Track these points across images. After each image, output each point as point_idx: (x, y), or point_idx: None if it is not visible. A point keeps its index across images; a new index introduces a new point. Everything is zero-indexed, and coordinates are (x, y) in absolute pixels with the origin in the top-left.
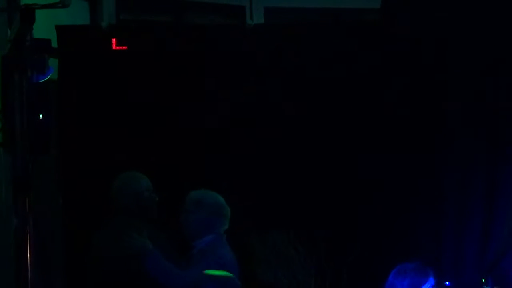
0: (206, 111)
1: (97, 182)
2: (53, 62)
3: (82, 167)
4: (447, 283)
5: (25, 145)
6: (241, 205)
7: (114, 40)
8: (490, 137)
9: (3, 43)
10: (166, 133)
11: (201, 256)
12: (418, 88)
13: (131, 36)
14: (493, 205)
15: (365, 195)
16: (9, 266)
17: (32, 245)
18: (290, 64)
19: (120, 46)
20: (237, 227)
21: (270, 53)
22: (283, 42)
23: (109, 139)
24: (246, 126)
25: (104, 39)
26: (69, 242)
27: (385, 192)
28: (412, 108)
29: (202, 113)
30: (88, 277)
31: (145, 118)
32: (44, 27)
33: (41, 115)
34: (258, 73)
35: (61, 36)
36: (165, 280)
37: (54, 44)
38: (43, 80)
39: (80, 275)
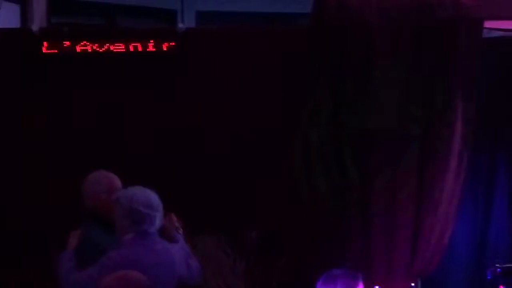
0: (136, 111)
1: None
2: None
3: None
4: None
5: None
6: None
7: (45, 44)
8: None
9: None
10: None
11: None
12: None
13: (62, 40)
14: (422, 210)
15: (293, 199)
16: None
17: None
18: (220, 67)
19: (51, 49)
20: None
21: (202, 56)
22: (214, 45)
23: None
24: (175, 128)
25: (34, 42)
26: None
27: (316, 196)
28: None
29: (133, 113)
30: None
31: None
32: None
33: None
34: (190, 75)
35: None
36: (61, 280)
37: None
38: None
39: None
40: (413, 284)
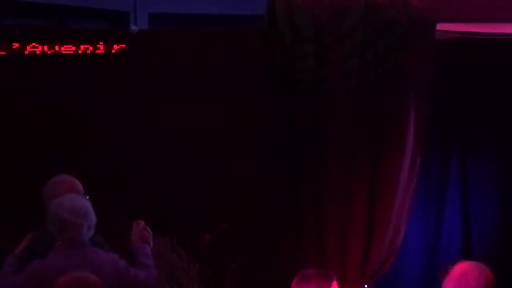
0: (87, 112)
1: None
2: None
3: None
4: None
5: None
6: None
7: None
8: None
9: None
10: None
11: None
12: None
13: (13, 41)
14: (376, 212)
15: (248, 200)
16: None
17: None
18: (173, 69)
19: (2, 51)
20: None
21: (154, 58)
22: (166, 47)
23: None
24: (126, 129)
25: None
26: None
27: (264, 197)
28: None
29: (82, 114)
30: None
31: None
32: None
33: None
34: (143, 77)
35: None
36: None
37: None
38: None
39: None
40: (366, 286)
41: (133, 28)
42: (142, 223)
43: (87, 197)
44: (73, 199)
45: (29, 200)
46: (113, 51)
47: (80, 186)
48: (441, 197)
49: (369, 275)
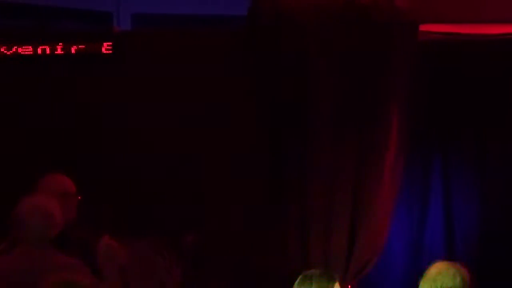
0: (70, 112)
1: None
2: None
3: None
4: None
5: None
6: (106, 211)
7: None
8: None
9: None
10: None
11: None
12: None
13: None
14: (359, 212)
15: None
16: None
17: None
18: (156, 69)
19: None
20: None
21: (137, 59)
22: (150, 48)
23: None
24: (109, 129)
25: None
26: None
27: (247, 199)
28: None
29: (61, 115)
30: None
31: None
32: None
33: None
34: (126, 77)
35: None
36: None
37: None
38: None
39: None
40: (350, 286)
41: (116, 28)
42: (107, 238)
43: (79, 198)
44: (36, 199)
45: None
46: (98, 51)
47: (70, 186)
48: (424, 197)
49: (352, 275)
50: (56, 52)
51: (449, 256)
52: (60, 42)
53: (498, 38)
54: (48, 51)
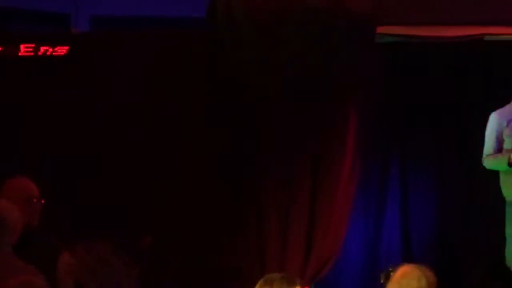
0: (28, 114)
1: None
2: None
3: None
4: None
5: None
6: (65, 214)
7: None
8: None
9: None
10: None
11: None
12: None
13: None
14: (316, 214)
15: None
16: None
17: None
18: (114, 71)
19: None
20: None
21: (96, 61)
22: (108, 50)
23: None
24: (66, 130)
25: None
26: None
27: (205, 201)
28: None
29: (23, 117)
30: None
31: None
32: None
33: None
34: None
35: None
36: None
37: None
38: None
39: None
40: None
41: (74, 30)
42: (67, 256)
43: (42, 201)
44: None
45: None
46: (55, 53)
47: (34, 190)
48: (381, 200)
49: (309, 278)
50: (19, 54)
51: (406, 259)
52: (20, 44)
53: (454, 41)
54: (7, 52)
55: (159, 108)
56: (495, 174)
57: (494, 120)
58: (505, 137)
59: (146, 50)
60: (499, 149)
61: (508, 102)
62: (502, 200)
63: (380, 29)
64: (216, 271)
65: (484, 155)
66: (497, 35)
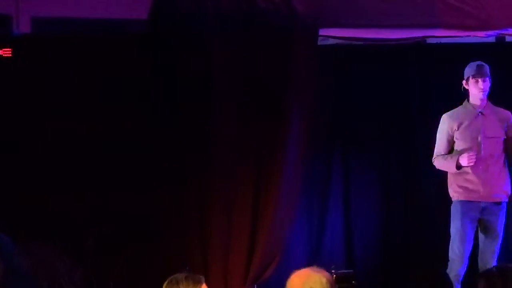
0: None
1: None
2: None
3: None
4: None
5: None
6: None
7: None
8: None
9: None
10: None
11: None
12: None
13: None
14: (259, 215)
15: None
16: None
17: None
18: (56, 74)
19: None
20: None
21: (37, 63)
22: (49, 52)
23: None
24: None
25: None
26: None
27: (149, 204)
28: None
29: None
30: None
31: None
32: None
33: None
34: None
35: None
36: None
37: None
38: None
39: None
40: None
41: (15, 32)
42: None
43: None
44: None
45: None
46: None
47: None
48: (324, 203)
49: (252, 279)
50: None
51: (348, 261)
52: None
53: (396, 43)
54: None
55: (99, 111)
56: (439, 174)
57: (445, 122)
58: (455, 139)
59: (87, 52)
60: (449, 150)
61: (455, 105)
62: (447, 200)
63: (323, 32)
64: (158, 275)
65: (434, 155)
66: (438, 37)
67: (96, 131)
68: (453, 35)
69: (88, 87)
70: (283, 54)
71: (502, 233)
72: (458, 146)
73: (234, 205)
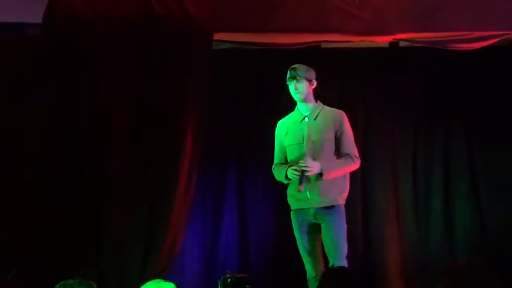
0: None
1: None
2: None
3: None
4: None
5: None
6: None
7: None
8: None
9: None
10: None
11: None
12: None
13: None
14: (154, 222)
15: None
16: None
17: None
18: None
19: None
20: None
21: None
22: None
23: None
24: None
25: None
26: None
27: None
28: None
29: None
30: None
31: None
32: None
33: None
34: None
35: None
36: None
37: None
38: None
39: None
40: None
41: None
42: None
43: None
44: None
45: None
46: None
47: None
48: (219, 210)
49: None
50: None
51: (243, 267)
52: None
53: (292, 48)
54: None
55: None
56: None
57: (277, 130)
58: (285, 146)
59: None
60: (285, 158)
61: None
62: None
63: (218, 36)
64: (53, 279)
65: (274, 165)
66: (333, 42)
67: None
68: (347, 40)
69: (9, 88)
70: (178, 59)
71: None
72: (289, 154)
73: (130, 212)
